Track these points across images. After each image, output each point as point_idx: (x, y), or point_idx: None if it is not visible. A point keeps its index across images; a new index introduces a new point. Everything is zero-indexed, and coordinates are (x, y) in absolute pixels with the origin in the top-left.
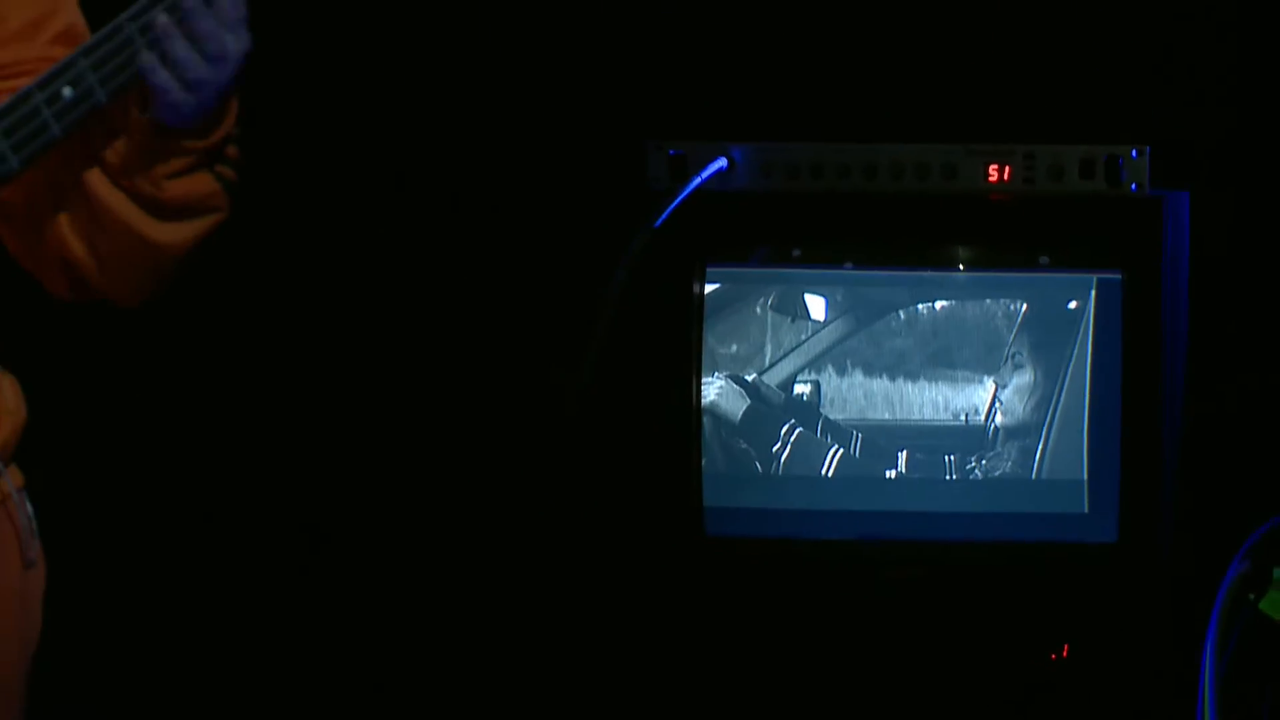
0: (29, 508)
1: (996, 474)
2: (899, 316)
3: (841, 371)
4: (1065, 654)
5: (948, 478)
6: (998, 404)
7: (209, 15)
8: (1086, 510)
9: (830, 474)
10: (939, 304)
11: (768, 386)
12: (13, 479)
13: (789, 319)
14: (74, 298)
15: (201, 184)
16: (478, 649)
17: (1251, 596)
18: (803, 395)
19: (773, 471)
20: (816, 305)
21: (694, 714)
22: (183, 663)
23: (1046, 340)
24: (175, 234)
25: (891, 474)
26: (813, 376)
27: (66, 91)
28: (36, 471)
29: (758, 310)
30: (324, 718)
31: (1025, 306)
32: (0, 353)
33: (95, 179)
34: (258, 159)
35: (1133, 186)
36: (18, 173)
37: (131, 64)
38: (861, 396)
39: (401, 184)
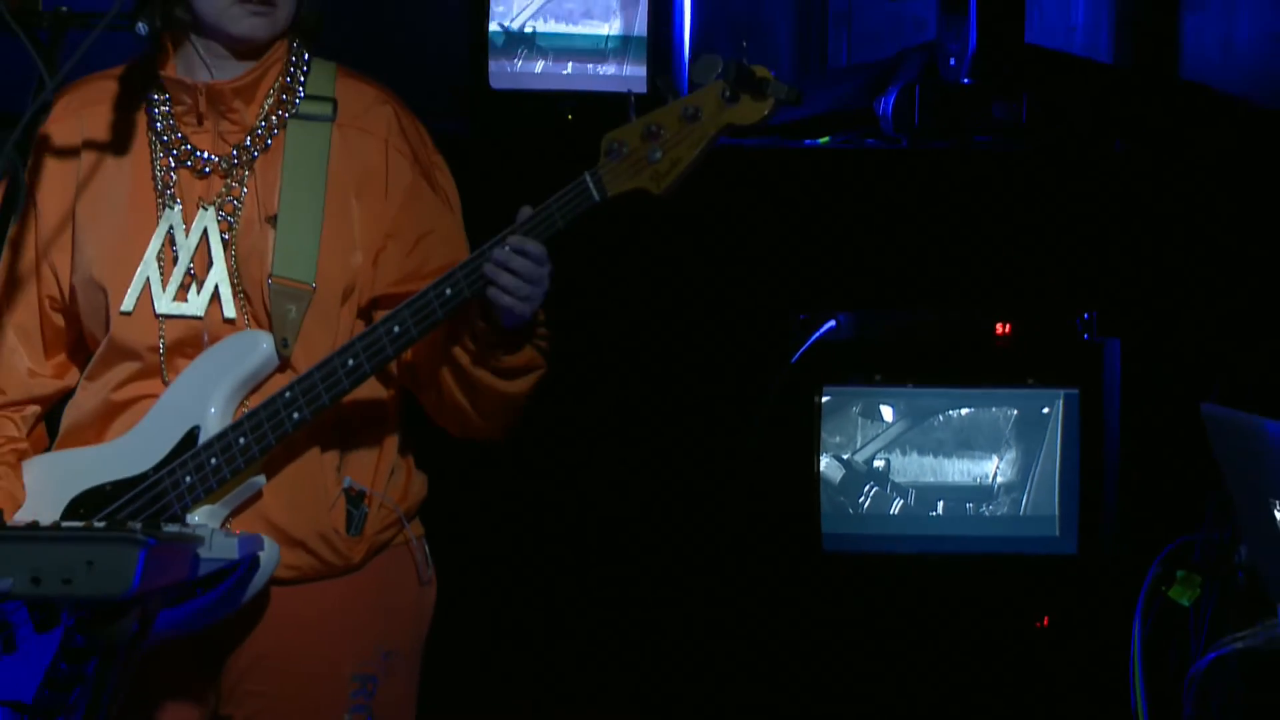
0: (425, 547)
1: (999, 514)
2: (939, 418)
3: (903, 453)
4: (1046, 623)
5: (969, 515)
6: (999, 471)
7: (522, 260)
8: (1057, 534)
9: (896, 514)
10: (964, 410)
11: (856, 462)
12: (414, 530)
13: (870, 420)
14: (461, 436)
15: (525, 355)
16: (668, 620)
17: (1163, 588)
18: (879, 467)
19: (860, 513)
20: (887, 411)
21: (814, 654)
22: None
23: (1030, 432)
24: (517, 387)
25: (934, 514)
26: (885, 455)
27: (448, 290)
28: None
29: (852, 414)
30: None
31: (1016, 411)
32: (416, 455)
33: (465, 359)
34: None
35: (1085, 335)
36: (416, 339)
37: (478, 280)
38: (915, 468)
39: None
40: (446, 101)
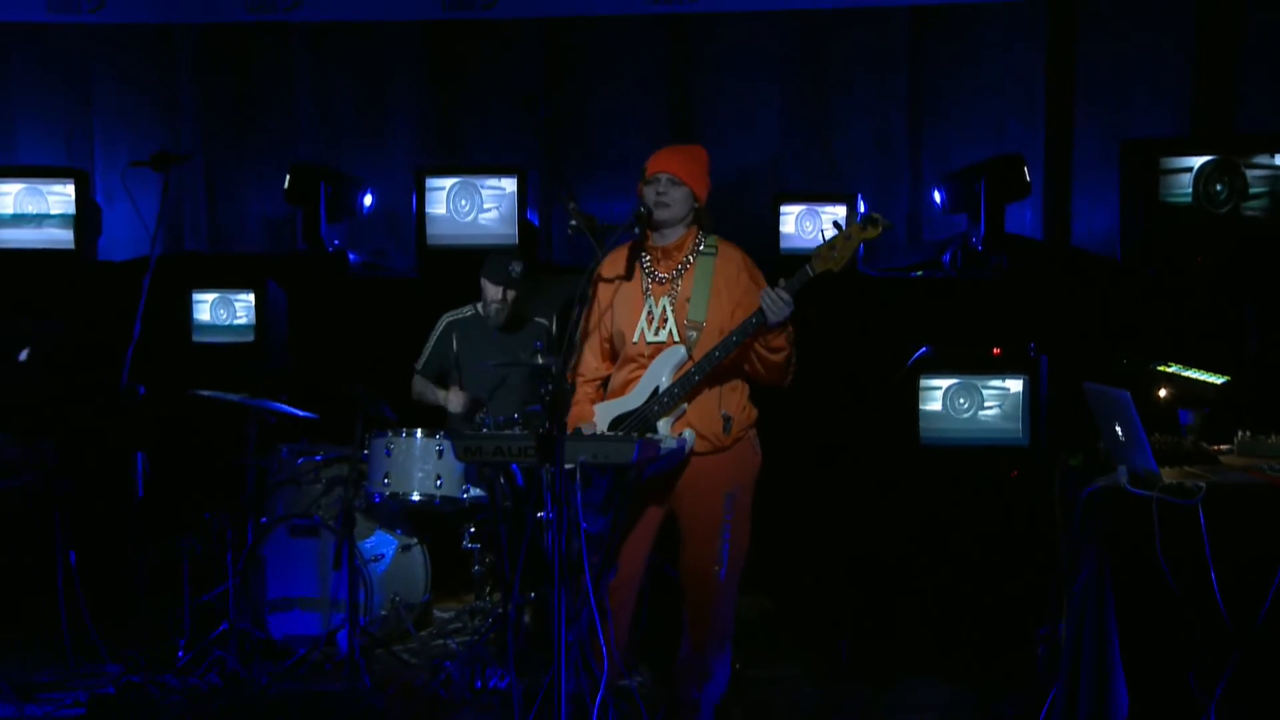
0: (756, 439)
1: (996, 426)
2: (970, 389)
3: (954, 403)
4: (1015, 474)
5: (983, 427)
6: (996, 410)
7: (782, 294)
8: (1021, 435)
9: (951, 429)
10: (980, 386)
11: (933, 406)
12: (752, 432)
13: (940, 391)
14: (760, 382)
15: (784, 340)
16: (848, 478)
17: (1068, 460)
18: (943, 408)
19: (935, 427)
20: (948, 386)
21: (914, 485)
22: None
23: (1008, 395)
24: (778, 359)
25: (968, 428)
26: (947, 404)
27: (753, 320)
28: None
29: (933, 388)
30: None
31: (1002, 386)
32: (751, 396)
33: (757, 344)
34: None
35: (1031, 354)
36: (739, 344)
37: (762, 318)
38: (959, 409)
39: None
40: (760, 254)
